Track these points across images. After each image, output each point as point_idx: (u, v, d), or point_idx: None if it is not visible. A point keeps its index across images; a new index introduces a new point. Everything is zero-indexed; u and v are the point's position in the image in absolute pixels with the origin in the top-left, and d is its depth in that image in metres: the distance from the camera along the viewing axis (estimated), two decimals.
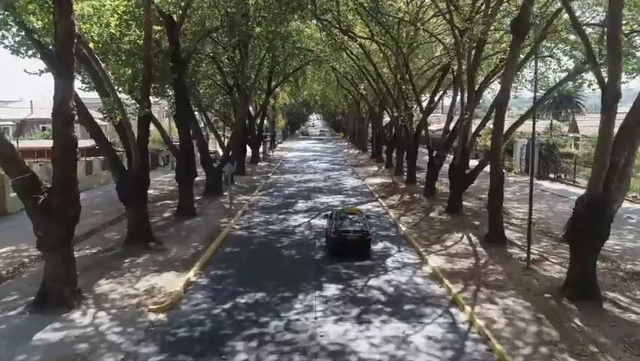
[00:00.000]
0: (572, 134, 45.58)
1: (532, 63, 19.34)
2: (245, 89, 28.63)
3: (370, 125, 59.07)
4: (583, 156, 34.44)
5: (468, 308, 11.41)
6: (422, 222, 21.07)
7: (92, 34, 13.45)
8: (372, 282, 13.60)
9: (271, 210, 24.33)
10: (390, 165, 42.98)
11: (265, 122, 77.77)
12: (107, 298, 12.11)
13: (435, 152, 26.98)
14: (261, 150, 51.31)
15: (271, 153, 56.97)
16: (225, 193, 26.61)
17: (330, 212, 18.42)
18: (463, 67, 20.04)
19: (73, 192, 10.86)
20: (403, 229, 19.74)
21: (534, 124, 14.80)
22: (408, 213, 23.11)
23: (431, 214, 22.73)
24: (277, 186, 33.40)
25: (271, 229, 20.12)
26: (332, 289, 12.97)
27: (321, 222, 21.30)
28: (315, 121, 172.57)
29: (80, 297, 11.60)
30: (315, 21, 36.85)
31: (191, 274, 13.93)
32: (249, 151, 47.37)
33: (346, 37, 32.13)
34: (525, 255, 15.38)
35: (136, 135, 16.06)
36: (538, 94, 15.52)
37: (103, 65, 14.73)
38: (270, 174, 39.38)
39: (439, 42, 26.26)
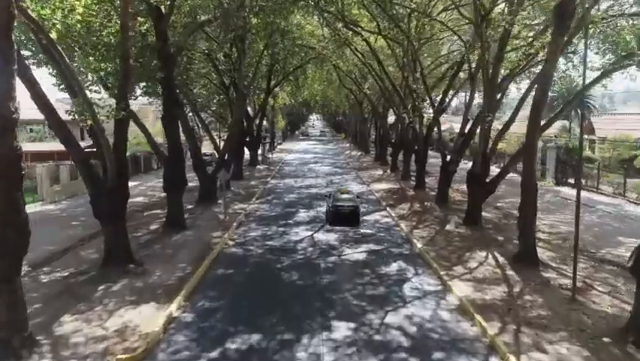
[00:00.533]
0: (586, 137, 43.34)
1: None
2: (242, 88, 26.44)
3: (373, 125, 56.76)
4: (602, 160, 32.26)
5: (512, 359, 9.19)
6: (438, 237, 18.84)
7: (55, 21, 11.23)
8: (391, 318, 11.36)
9: (270, 221, 22.10)
10: (395, 169, 40.75)
11: (264, 122, 75.76)
12: (67, 343, 9.86)
13: (449, 156, 24.75)
14: (260, 152, 49.11)
15: (270, 156, 54.77)
16: (220, 201, 24.42)
17: (328, 192, 24.17)
18: (487, 60, 17.70)
19: (19, 218, 8.63)
20: (418, 245, 17.51)
21: (582, 126, 12.59)
22: (421, 226, 20.88)
23: (447, 227, 20.51)
24: (276, 192, 31.18)
25: (269, 245, 17.89)
26: (342, 329, 10.73)
27: (325, 236, 19.13)
28: (315, 121, 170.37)
29: (32, 344, 9.37)
30: (316, 17, 35.06)
31: (173, 307, 11.69)
32: (246, 153, 45.17)
33: (351, 32, 29.98)
34: (565, 281, 13.24)
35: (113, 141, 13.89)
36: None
37: (75, 59, 12.64)
38: (269, 179, 37.15)
39: (454, 34, 23.98)
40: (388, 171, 41.60)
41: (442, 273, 14.34)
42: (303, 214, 23.62)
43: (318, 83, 53.10)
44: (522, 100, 19.56)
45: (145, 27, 19.02)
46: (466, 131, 23.33)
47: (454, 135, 55.06)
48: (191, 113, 32.59)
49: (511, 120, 19.56)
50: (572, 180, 31.46)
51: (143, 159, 41.24)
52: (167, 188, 19.57)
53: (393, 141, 41.74)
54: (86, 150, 15.63)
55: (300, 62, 38.64)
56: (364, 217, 22.68)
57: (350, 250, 17.21)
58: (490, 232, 19.37)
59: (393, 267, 15.33)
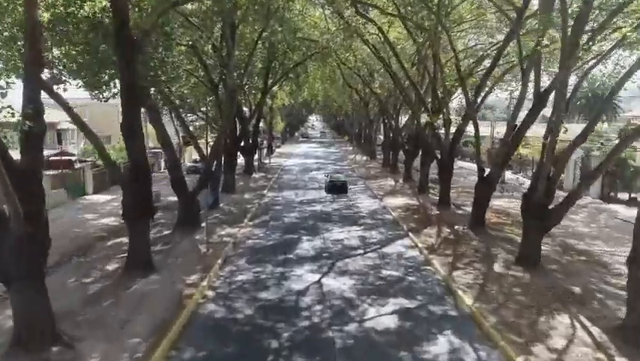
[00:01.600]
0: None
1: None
2: (231, 85, 21.66)
3: (382, 128, 51.95)
4: None
5: None
6: (490, 286, 14.00)
7: None
8: None
9: (265, 255, 17.29)
10: (409, 179, 35.94)
11: (261, 124, 71.18)
12: None
13: (487, 170, 20.01)
14: (256, 157, 44.31)
15: (268, 161, 49.89)
16: (204, 224, 19.68)
17: (327, 174, 34.19)
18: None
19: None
20: (467, 300, 12.71)
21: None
22: (460, 264, 16.08)
23: (495, 267, 15.71)
24: (274, 209, 26.37)
25: (263, 300, 13.07)
26: None
27: (337, 283, 14.37)
28: (315, 122, 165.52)
29: None
30: (321, 6, 30.43)
31: None
32: (241, 159, 40.41)
33: (362, 20, 25.24)
34: None
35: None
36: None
37: None
38: (265, 191, 32.34)
39: (501, 12, 19.21)
40: (401, 181, 36.78)
41: None
42: (306, 244, 18.80)
43: (320, 81, 48.41)
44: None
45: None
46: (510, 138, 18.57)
47: (469, 140, 50.47)
48: (175, 119, 27.90)
49: (593, 123, 14.86)
50: (622, 195, 26.77)
51: (123, 168, 36.36)
52: (128, 216, 14.75)
53: (406, 146, 36.82)
54: None
55: (302, 57, 33.93)
56: (385, 249, 18.00)
57: (374, 310, 12.41)
58: (558, 278, 14.56)
59: (441, 345, 10.53)
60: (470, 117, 20.24)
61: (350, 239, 19.61)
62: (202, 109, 34.59)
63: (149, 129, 33.48)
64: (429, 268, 16.00)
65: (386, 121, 47.17)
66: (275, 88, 49.70)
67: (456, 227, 21.21)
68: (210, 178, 21.65)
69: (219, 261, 16.21)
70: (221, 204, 26.51)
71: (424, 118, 28.79)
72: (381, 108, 46.37)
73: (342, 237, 19.94)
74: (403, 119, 44.67)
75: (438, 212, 24.62)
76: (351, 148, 77.30)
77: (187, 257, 16.68)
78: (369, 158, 56.72)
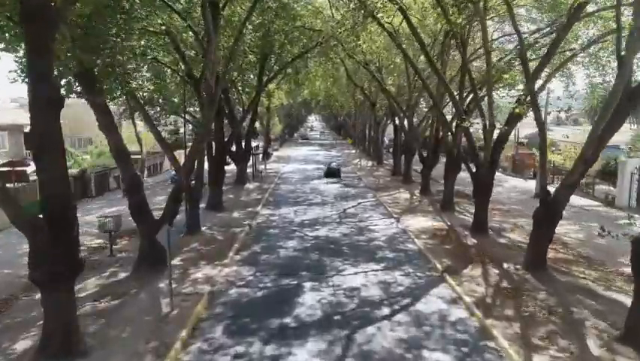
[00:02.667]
0: None
1: None
2: (209, 79, 16.57)
3: (392, 129, 46.88)
4: None
5: None
6: None
7: None
8: None
9: (252, 319, 12.11)
10: (427, 192, 30.86)
11: (257, 126, 66.18)
12: None
13: (551, 187, 14.94)
14: (250, 162, 39.19)
15: (263, 167, 44.60)
16: (173, 264, 14.68)
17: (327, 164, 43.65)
18: None
19: None
20: None
21: None
22: (536, 338, 10.92)
23: (592, 345, 10.61)
24: (268, 234, 21.30)
25: None
26: None
27: None
28: (314, 122, 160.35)
29: None
30: None
31: None
32: (233, 166, 35.38)
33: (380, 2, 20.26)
34: None
35: None
36: None
37: None
38: (259, 207, 27.25)
39: None
40: (417, 193, 31.64)
41: None
42: (310, 297, 13.62)
43: (321, 79, 43.41)
44: None
45: None
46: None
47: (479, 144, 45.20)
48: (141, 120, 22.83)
49: None
50: None
51: (94, 178, 31.28)
52: (37, 282, 9.63)
53: (423, 152, 31.68)
54: None
55: (302, 49, 28.88)
56: (419, 306, 12.85)
57: None
58: None
59: None
60: (536, 118, 15.00)
61: (369, 287, 14.50)
62: (190, 109, 29.83)
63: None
64: (490, 344, 10.87)
65: (397, 123, 42.13)
66: (272, 86, 44.93)
67: (506, 266, 16.13)
68: (180, 197, 16.51)
69: (184, 332, 11.10)
70: (203, 228, 21.48)
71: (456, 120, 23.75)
72: (391, 108, 41.37)
73: (357, 283, 14.81)
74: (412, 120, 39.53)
75: (475, 240, 19.52)
76: (354, 151, 72.30)
77: (140, 324, 11.57)
78: (376, 163, 51.60)
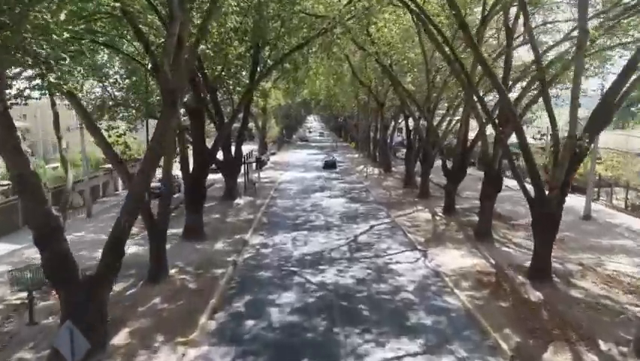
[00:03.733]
0: None
1: None
2: (165, 73, 11.37)
3: (404, 132, 41.75)
4: None
5: None
6: None
7: None
8: None
9: None
10: (452, 211, 25.60)
11: (252, 127, 60.80)
12: None
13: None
14: (242, 171, 33.90)
15: (257, 175, 39.14)
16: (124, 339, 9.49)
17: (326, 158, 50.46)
18: None
19: None
20: None
21: None
22: None
23: None
24: (258, 280, 16.03)
25: None
26: None
27: None
28: (313, 123, 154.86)
29: None
30: None
31: None
32: (220, 177, 30.14)
33: None
34: None
35: None
36: None
37: None
38: (248, 234, 22.01)
39: None
40: (439, 212, 26.33)
41: None
42: None
43: (323, 77, 38.23)
44: None
45: None
46: None
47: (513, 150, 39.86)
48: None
49: None
50: None
51: (51, 195, 25.86)
52: None
53: (447, 163, 26.39)
54: None
55: (302, 40, 23.63)
56: None
57: None
58: None
59: None
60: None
61: None
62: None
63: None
64: None
65: (410, 126, 36.98)
66: (268, 85, 39.69)
67: (604, 347, 10.93)
68: (122, 244, 11.20)
69: None
70: (172, 270, 16.28)
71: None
72: (403, 108, 36.24)
73: None
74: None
75: (539, 294, 14.23)
76: (357, 156, 67.05)
77: None
78: (384, 170, 46.32)
